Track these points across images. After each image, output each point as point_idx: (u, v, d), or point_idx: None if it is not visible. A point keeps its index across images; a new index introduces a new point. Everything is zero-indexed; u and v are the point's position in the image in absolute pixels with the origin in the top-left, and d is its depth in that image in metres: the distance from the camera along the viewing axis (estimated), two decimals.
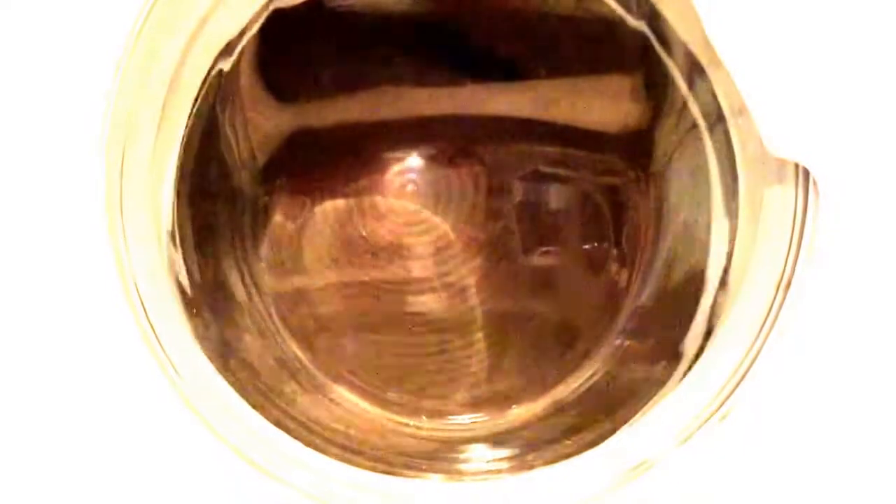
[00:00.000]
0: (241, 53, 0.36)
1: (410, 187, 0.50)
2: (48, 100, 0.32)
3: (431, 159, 0.50)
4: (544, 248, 0.50)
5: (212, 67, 0.35)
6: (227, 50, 0.35)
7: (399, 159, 0.50)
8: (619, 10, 0.38)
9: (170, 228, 0.35)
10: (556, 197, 0.50)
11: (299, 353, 0.46)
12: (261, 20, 0.35)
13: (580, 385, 0.45)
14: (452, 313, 0.49)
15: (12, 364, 0.34)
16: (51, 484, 0.35)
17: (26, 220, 0.32)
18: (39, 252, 0.33)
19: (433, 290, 0.49)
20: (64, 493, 0.35)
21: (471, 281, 0.50)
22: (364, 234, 0.49)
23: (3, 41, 0.32)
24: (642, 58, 0.41)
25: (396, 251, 0.49)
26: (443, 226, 0.50)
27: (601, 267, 0.48)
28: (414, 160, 0.50)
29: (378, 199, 0.49)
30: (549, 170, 0.49)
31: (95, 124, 0.32)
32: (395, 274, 0.49)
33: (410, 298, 0.49)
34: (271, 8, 0.36)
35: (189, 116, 0.34)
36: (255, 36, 0.36)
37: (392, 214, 0.49)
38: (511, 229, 0.50)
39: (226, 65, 0.35)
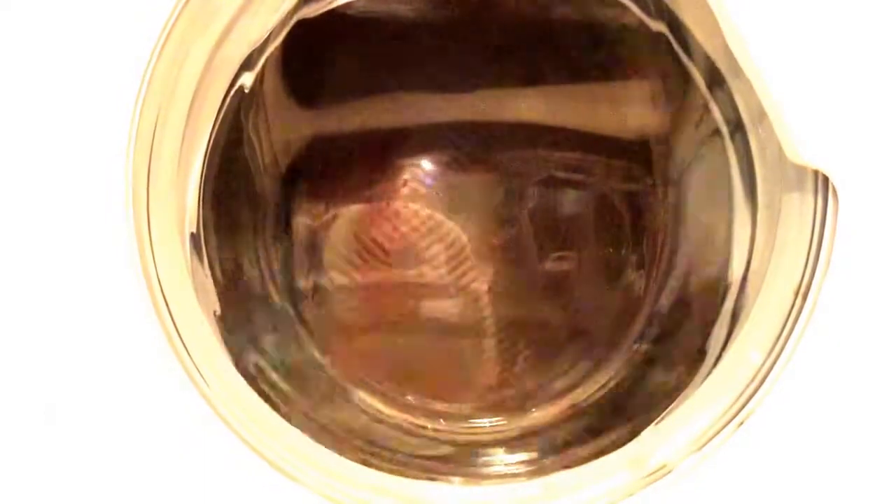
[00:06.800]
0: (265, 61, 0.36)
1: (426, 192, 0.50)
2: (76, 103, 0.32)
3: (447, 164, 0.50)
4: (559, 254, 0.50)
5: (236, 77, 0.35)
6: (250, 59, 0.35)
7: (415, 164, 0.50)
8: (639, 14, 0.38)
9: (194, 230, 0.35)
10: (571, 202, 0.50)
11: (318, 354, 0.46)
12: (285, 30, 0.36)
13: (598, 390, 0.45)
14: (467, 317, 0.49)
15: (35, 364, 0.34)
16: (70, 484, 0.35)
17: (52, 221, 0.33)
18: (65, 253, 0.33)
19: (448, 294, 0.50)
20: (81, 493, 0.35)
21: (485, 285, 0.50)
22: (380, 238, 0.49)
23: (33, 44, 0.32)
24: (661, 64, 0.41)
25: (412, 255, 0.49)
26: (458, 230, 0.50)
27: (618, 272, 0.48)
28: (430, 165, 0.50)
29: (394, 203, 0.50)
30: (565, 175, 0.49)
31: (122, 128, 0.32)
32: (411, 278, 0.49)
33: (425, 302, 0.50)
34: (295, 18, 0.36)
35: (214, 122, 0.35)
36: (278, 43, 0.37)
37: (407, 219, 0.50)
38: (526, 234, 0.50)
39: (249, 76, 0.36)
